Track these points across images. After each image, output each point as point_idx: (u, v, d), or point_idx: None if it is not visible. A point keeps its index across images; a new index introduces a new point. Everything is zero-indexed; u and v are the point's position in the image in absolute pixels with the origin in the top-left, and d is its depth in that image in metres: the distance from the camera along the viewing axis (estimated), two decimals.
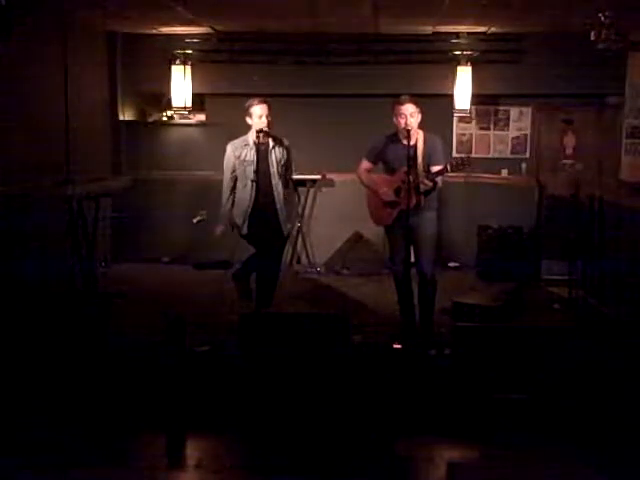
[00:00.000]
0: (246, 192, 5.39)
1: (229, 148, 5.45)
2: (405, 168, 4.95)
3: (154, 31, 7.57)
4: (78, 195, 5.78)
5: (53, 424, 4.04)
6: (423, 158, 5.11)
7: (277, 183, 5.42)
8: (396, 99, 5.12)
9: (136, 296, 6.29)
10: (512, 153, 8.12)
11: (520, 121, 8.10)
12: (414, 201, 4.97)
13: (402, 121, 5.03)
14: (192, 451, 4.05)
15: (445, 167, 5.02)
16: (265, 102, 5.35)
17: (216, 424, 4.13)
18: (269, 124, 5.34)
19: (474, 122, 8.09)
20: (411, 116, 5.02)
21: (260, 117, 5.30)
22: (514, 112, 8.10)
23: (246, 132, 5.46)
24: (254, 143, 5.35)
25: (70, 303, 5.53)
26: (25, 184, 5.60)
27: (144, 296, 6.40)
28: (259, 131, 5.25)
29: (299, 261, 7.93)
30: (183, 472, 3.77)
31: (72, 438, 3.88)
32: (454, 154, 7.63)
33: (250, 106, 5.34)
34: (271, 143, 5.41)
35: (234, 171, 5.45)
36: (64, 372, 4.36)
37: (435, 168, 5.06)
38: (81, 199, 5.81)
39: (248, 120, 5.37)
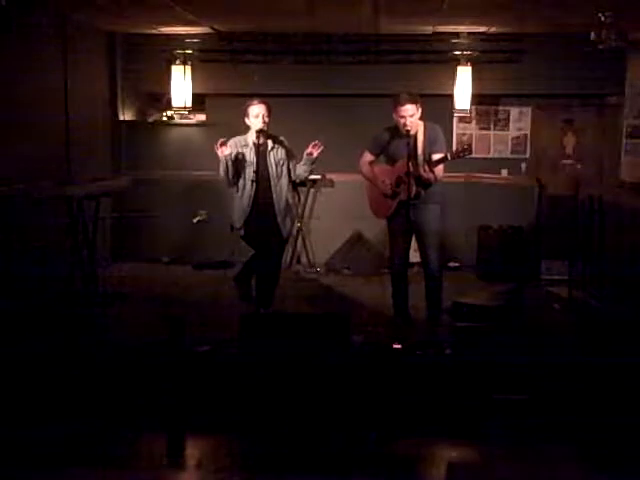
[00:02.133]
0: (245, 193, 5.37)
1: (230, 143, 5.37)
2: (405, 159, 4.95)
3: (154, 31, 7.57)
4: (78, 195, 5.78)
5: (53, 424, 4.04)
6: (424, 148, 5.12)
7: (276, 184, 5.39)
8: (396, 97, 5.12)
9: (136, 296, 6.29)
10: (512, 153, 8.11)
11: (520, 121, 8.09)
12: (414, 191, 4.96)
13: (402, 121, 5.04)
14: (192, 451, 4.05)
15: (446, 155, 5.03)
16: (263, 103, 5.31)
17: (216, 424, 4.13)
18: (266, 125, 5.29)
19: (474, 122, 8.08)
20: (411, 117, 5.04)
21: (257, 117, 5.26)
22: (514, 112, 8.09)
23: (246, 132, 5.46)
24: (253, 144, 5.33)
25: (70, 303, 5.54)
26: (25, 184, 5.60)
27: (144, 296, 6.40)
28: (258, 131, 5.24)
29: (299, 261, 7.92)
30: (183, 472, 3.77)
31: (72, 438, 3.88)
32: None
33: (248, 106, 5.31)
34: (270, 144, 5.38)
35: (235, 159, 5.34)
36: (64, 372, 4.35)
37: (436, 156, 5.07)
38: (81, 199, 5.82)
39: (246, 120, 5.34)
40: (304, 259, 7.87)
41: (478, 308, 5.62)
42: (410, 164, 4.91)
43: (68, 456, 3.72)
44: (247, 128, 5.40)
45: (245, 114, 5.32)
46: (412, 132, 4.99)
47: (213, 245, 7.64)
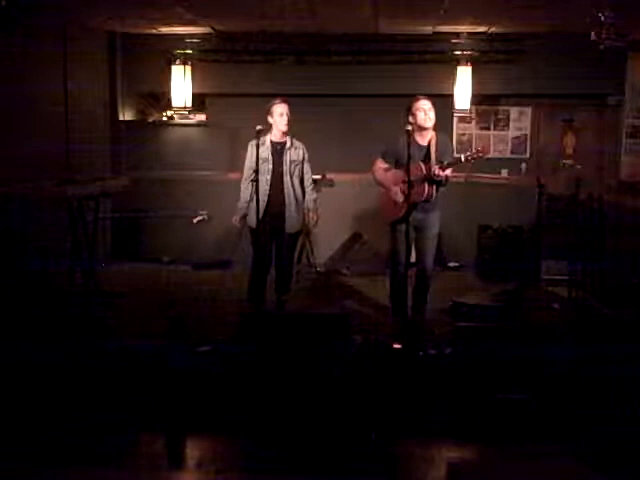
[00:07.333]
0: (261, 189, 5.38)
1: (250, 147, 5.51)
2: (418, 163, 5.03)
3: (154, 31, 7.57)
4: (78, 195, 5.78)
5: (53, 424, 4.04)
6: (436, 157, 5.18)
7: (288, 181, 5.50)
8: (410, 99, 5.25)
9: (136, 296, 6.29)
10: (512, 153, 8.12)
11: (520, 121, 8.10)
12: (426, 192, 5.04)
13: (420, 115, 5.13)
14: (192, 451, 4.05)
15: (459, 158, 5.07)
16: (285, 102, 5.49)
17: (216, 424, 4.13)
18: (288, 123, 5.45)
19: (474, 122, 8.09)
20: (429, 110, 5.11)
21: (281, 115, 5.44)
22: (514, 112, 8.10)
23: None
24: (271, 142, 5.48)
25: (70, 303, 5.54)
26: (25, 184, 5.60)
27: (144, 296, 6.40)
28: (284, 132, 5.40)
29: (299, 261, 7.92)
30: (183, 472, 3.77)
31: (72, 438, 3.88)
32: (454, 154, 7.61)
33: (272, 105, 5.47)
34: (288, 143, 5.53)
35: (256, 168, 5.38)
36: (64, 372, 4.35)
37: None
38: (81, 199, 5.82)
39: (269, 119, 5.48)
40: (304, 259, 7.86)
41: (478, 308, 5.63)
42: (425, 167, 5.04)
43: (68, 456, 3.72)
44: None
45: (269, 113, 5.47)
46: (426, 136, 5.06)
47: (213, 245, 7.64)
